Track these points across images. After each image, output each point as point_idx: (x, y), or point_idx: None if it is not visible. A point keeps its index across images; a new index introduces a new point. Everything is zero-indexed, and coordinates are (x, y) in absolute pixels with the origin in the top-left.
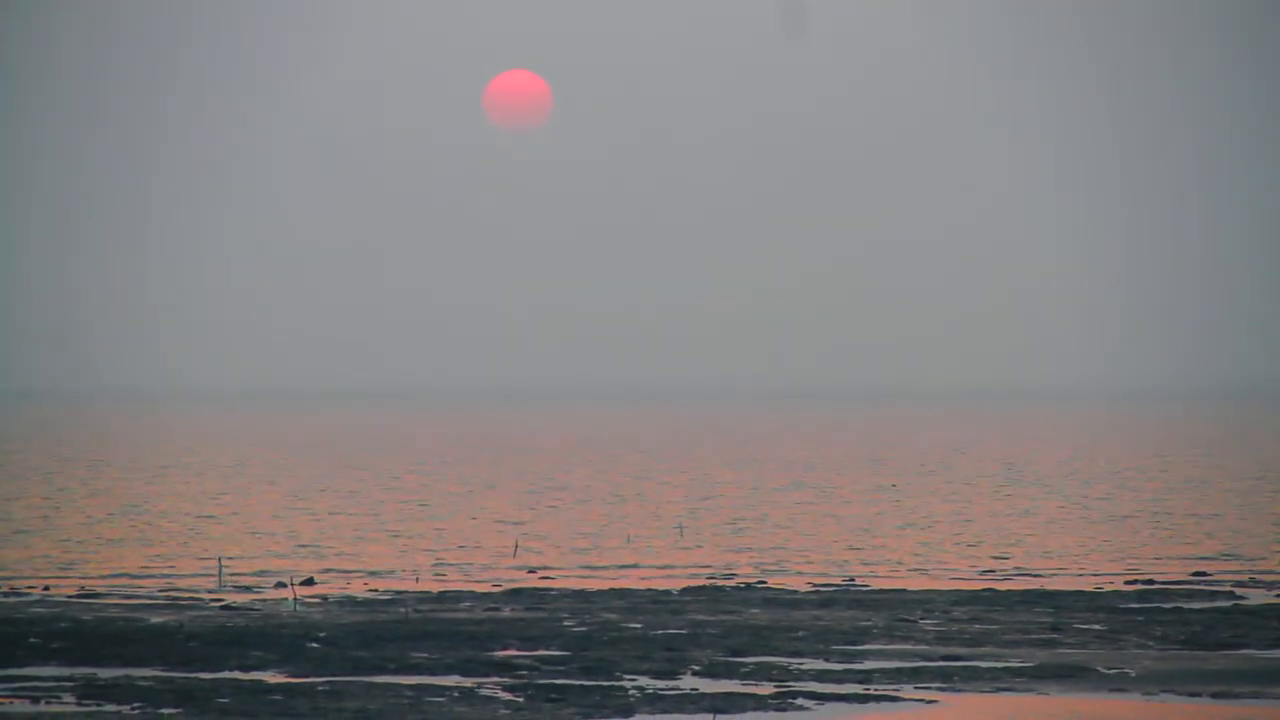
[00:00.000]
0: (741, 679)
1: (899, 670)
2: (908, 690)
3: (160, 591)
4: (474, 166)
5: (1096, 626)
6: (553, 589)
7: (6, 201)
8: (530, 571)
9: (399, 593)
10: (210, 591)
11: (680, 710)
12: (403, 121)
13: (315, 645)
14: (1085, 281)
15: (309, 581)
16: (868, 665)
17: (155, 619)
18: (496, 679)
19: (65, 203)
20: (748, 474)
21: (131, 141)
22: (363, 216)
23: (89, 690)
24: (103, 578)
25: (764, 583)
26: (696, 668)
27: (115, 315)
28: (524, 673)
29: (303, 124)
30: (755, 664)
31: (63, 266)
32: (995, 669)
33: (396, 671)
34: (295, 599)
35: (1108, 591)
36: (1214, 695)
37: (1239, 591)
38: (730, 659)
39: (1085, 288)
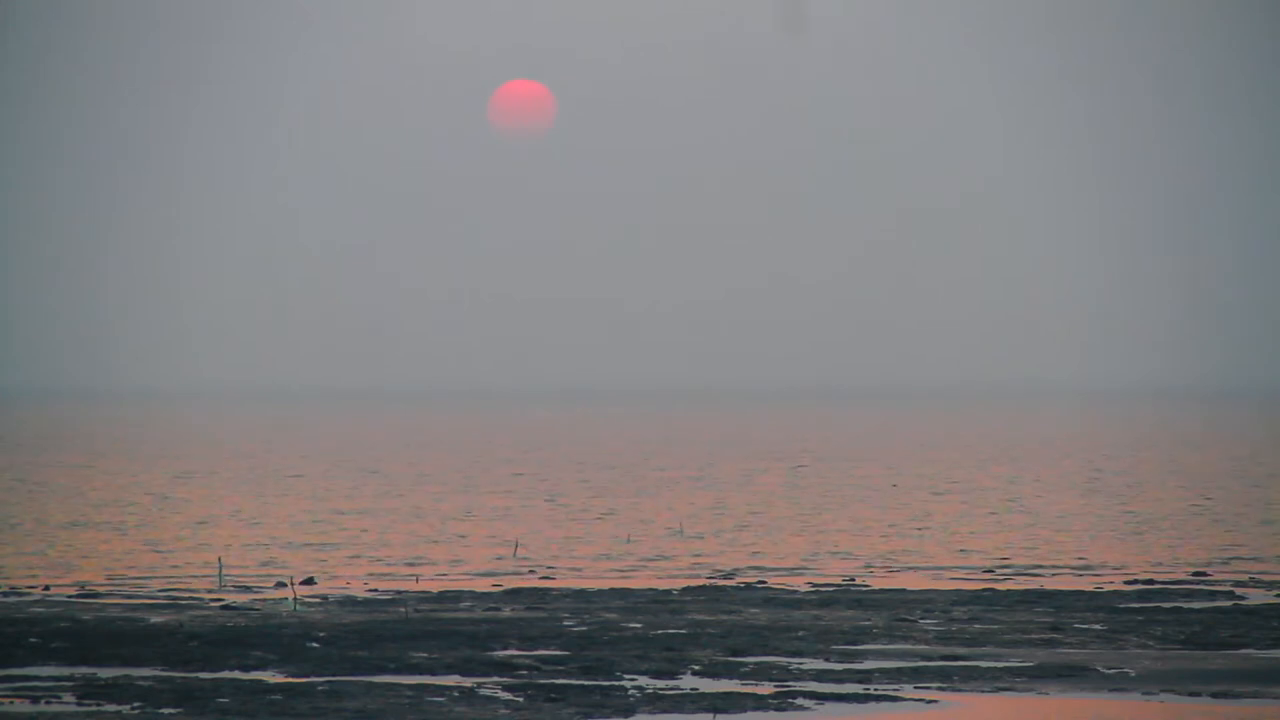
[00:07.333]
0: (741, 679)
1: (899, 670)
2: (908, 690)
3: (160, 591)
4: (479, 173)
5: (1096, 626)
6: (553, 589)
7: (13, 202)
8: (530, 572)
9: (399, 593)
10: (210, 591)
11: (680, 710)
12: (408, 128)
13: (315, 645)
14: (1067, 277)
15: (309, 581)
16: (868, 665)
17: (155, 619)
18: (496, 679)
19: (72, 202)
20: (752, 473)
21: (132, 146)
22: (367, 222)
23: (89, 690)
24: (103, 578)
25: (764, 583)
26: (696, 668)
27: (123, 314)
28: (524, 673)
29: (308, 130)
30: (755, 664)
31: (73, 266)
32: (995, 669)
33: (396, 671)
34: (295, 599)
35: (1108, 591)
36: (1214, 695)
37: (1239, 591)
38: (730, 659)
39: (1067, 284)
